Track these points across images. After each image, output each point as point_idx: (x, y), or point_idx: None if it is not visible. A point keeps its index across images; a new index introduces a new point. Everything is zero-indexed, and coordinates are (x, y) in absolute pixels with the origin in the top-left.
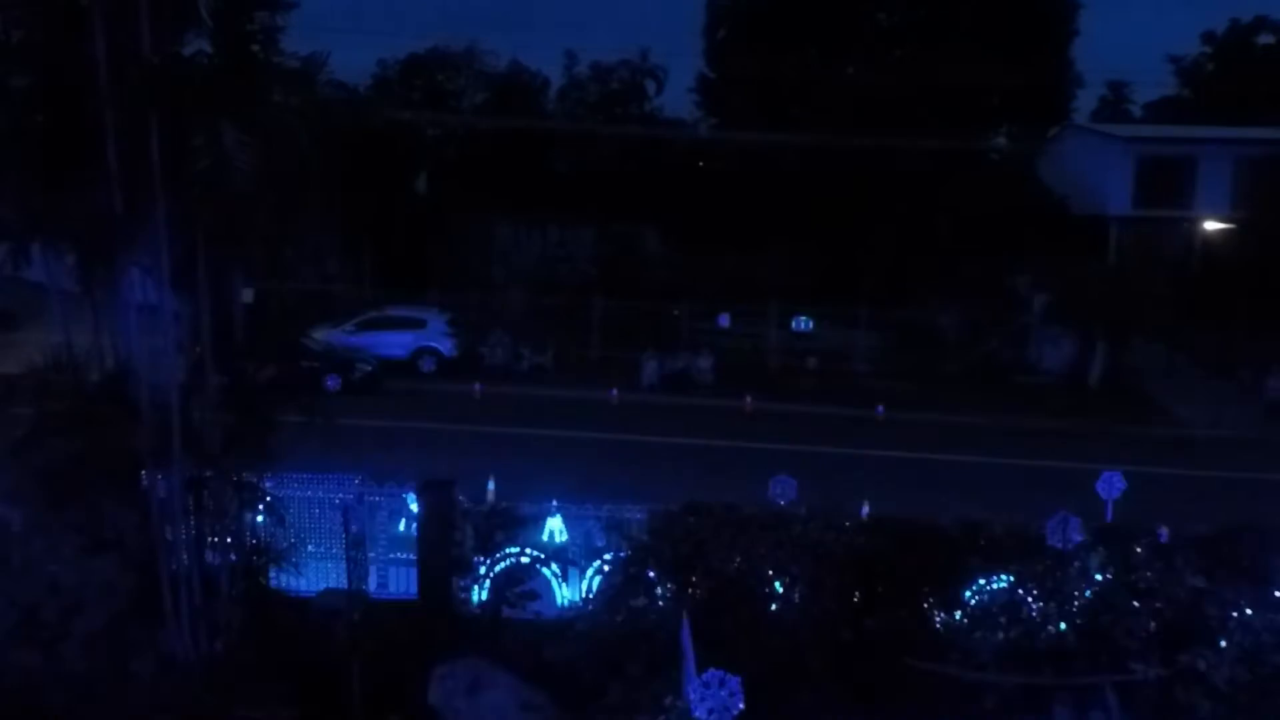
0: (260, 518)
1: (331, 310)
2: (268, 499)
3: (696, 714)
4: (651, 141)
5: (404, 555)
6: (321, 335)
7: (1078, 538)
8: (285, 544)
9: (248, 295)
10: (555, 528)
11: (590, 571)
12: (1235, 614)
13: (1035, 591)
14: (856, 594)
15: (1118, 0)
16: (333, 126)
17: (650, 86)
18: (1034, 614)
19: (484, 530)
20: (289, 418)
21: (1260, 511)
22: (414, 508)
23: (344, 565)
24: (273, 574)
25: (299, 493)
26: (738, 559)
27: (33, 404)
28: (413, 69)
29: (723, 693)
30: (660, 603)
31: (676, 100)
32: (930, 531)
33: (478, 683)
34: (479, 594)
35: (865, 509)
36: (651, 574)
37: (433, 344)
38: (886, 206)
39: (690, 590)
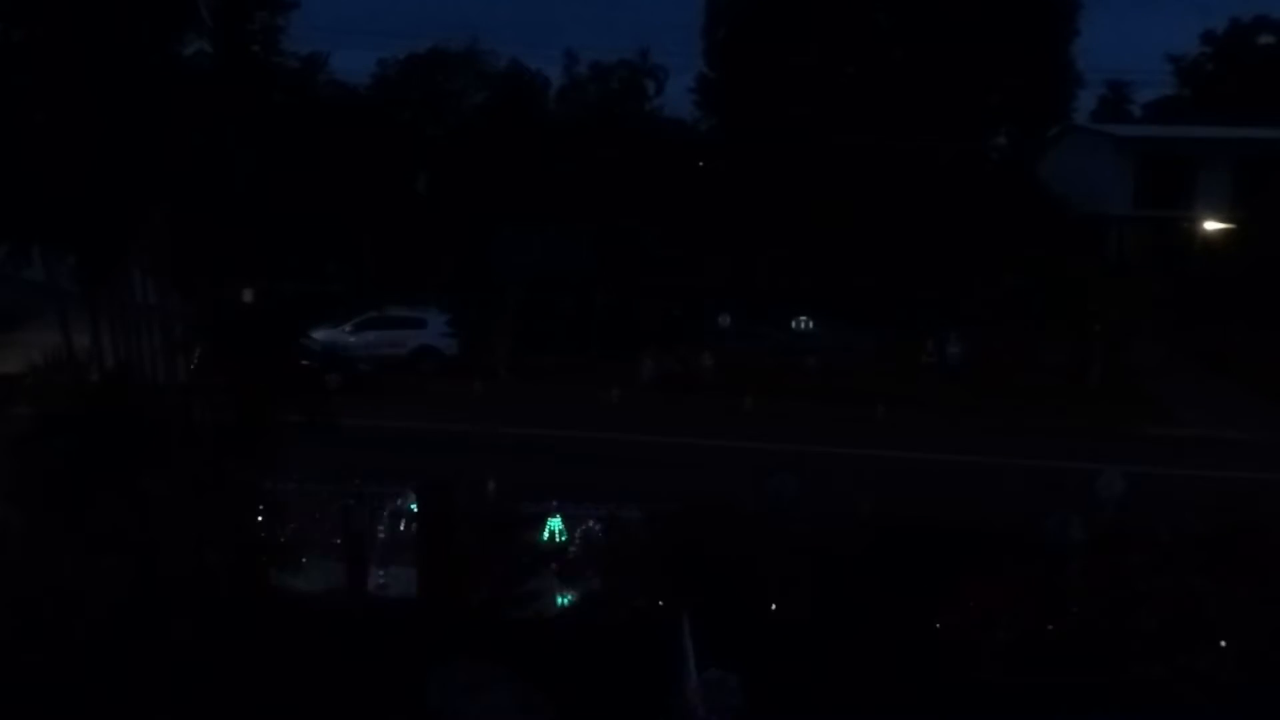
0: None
1: (331, 310)
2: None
3: (696, 714)
4: (651, 141)
5: (404, 555)
6: (321, 335)
7: (1078, 537)
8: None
9: (248, 295)
10: (555, 528)
11: (589, 571)
12: (1235, 614)
13: (1035, 591)
14: (856, 594)
15: (1118, 0)
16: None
17: (650, 86)
18: (1034, 614)
19: (484, 530)
20: (289, 417)
21: (1260, 511)
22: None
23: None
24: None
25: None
26: (737, 559)
27: (33, 404)
28: (413, 69)
29: (723, 692)
30: (660, 603)
31: (677, 100)
32: (930, 531)
33: (478, 683)
34: (479, 594)
35: (865, 509)
36: (651, 574)
37: (433, 344)
38: (886, 206)
39: (690, 590)
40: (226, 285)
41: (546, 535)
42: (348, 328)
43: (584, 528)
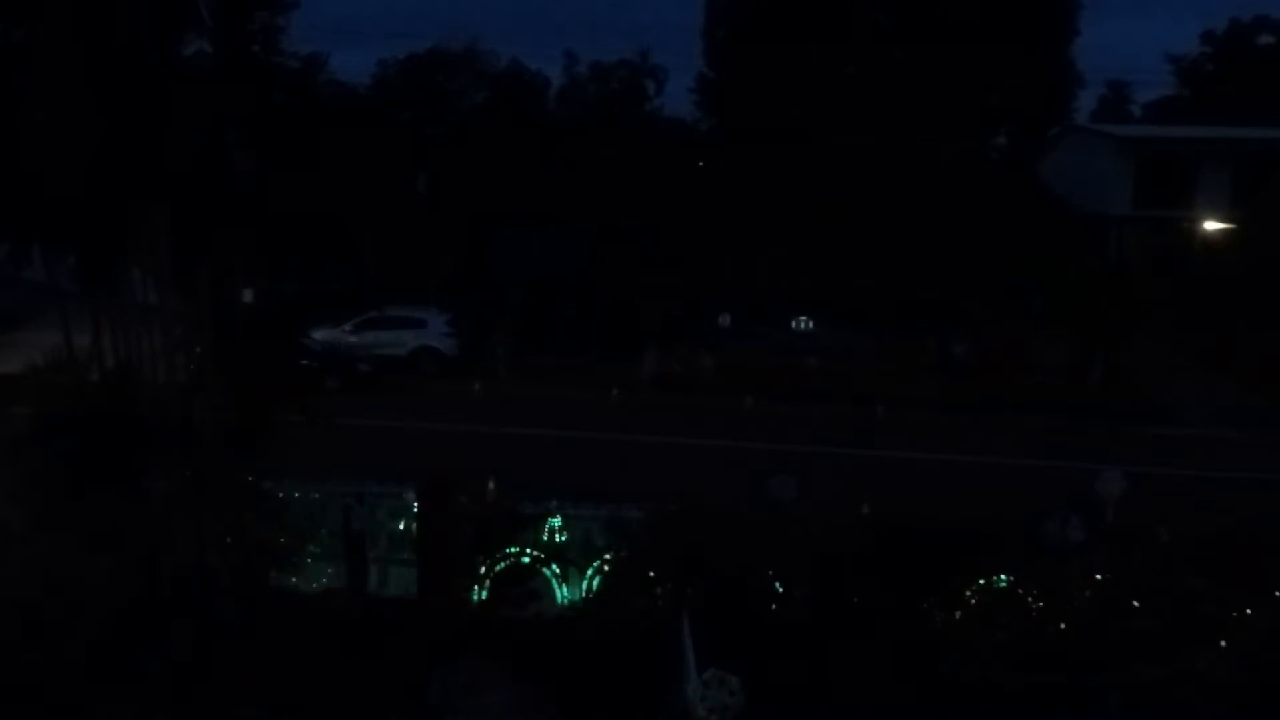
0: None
1: (331, 310)
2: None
3: (696, 714)
4: (651, 141)
5: (404, 555)
6: (321, 335)
7: (1078, 537)
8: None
9: (248, 295)
10: (555, 528)
11: (590, 571)
12: (1235, 614)
13: (1035, 591)
14: (856, 594)
15: (1118, 0)
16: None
17: (650, 86)
18: (1034, 614)
19: (484, 530)
20: (289, 417)
21: (1260, 511)
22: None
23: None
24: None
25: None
26: (737, 559)
27: (33, 404)
28: (413, 69)
29: (723, 692)
30: (660, 603)
31: (677, 100)
32: (930, 531)
33: (478, 683)
34: (479, 594)
35: (865, 509)
36: (651, 574)
37: (433, 344)
38: (886, 206)
39: (690, 590)
40: (226, 285)
41: (546, 535)
42: (348, 328)
43: (584, 528)
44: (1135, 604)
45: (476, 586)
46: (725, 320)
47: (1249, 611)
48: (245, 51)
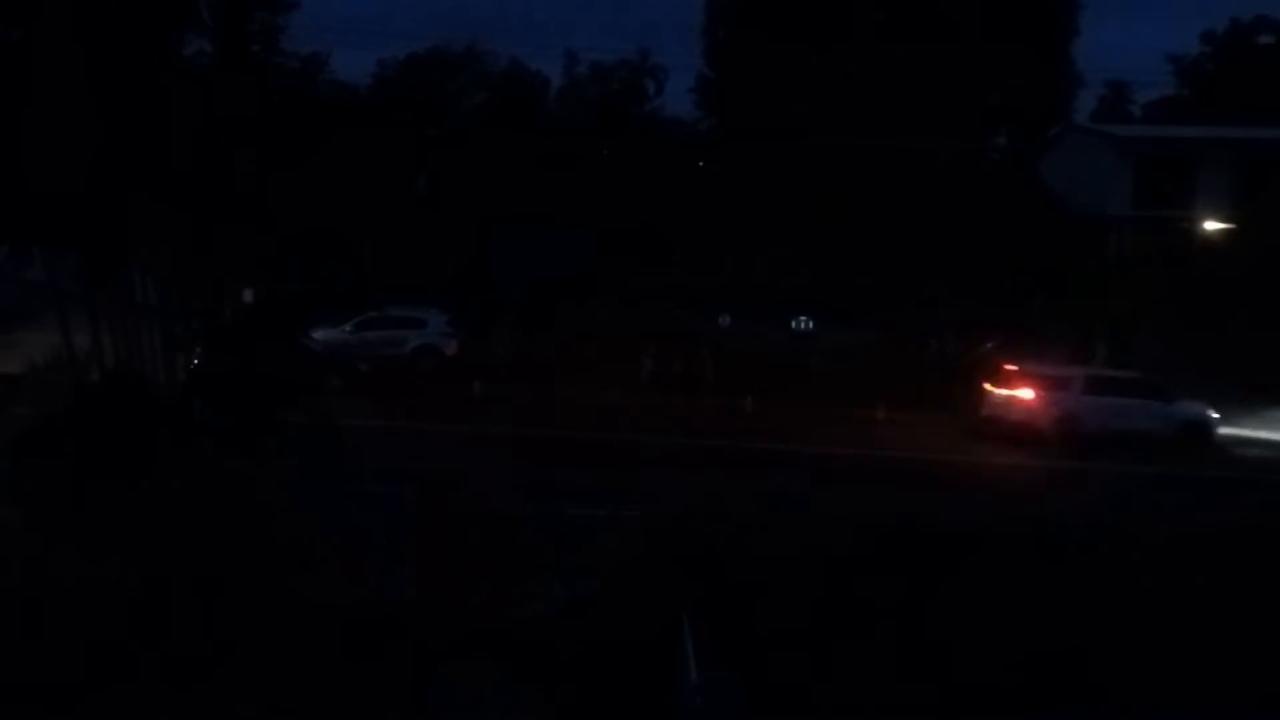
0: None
1: (331, 310)
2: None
3: (696, 714)
4: (651, 141)
5: (404, 555)
6: (321, 335)
7: (1078, 537)
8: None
9: (248, 295)
10: (555, 528)
11: (589, 571)
12: (1235, 614)
13: (1035, 591)
14: (856, 594)
15: (1118, 0)
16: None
17: (650, 86)
18: (1034, 614)
19: (484, 530)
20: (289, 417)
21: (1260, 511)
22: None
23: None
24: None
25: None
26: (737, 559)
27: (33, 404)
28: (413, 69)
29: (723, 693)
30: (660, 603)
31: (677, 100)
32: (930, 531)
33: (478, 683)
34: (479, 594)
35: (865, 509)
36: (651, 574)
37: (433, 344)
38: (886, 206)
39: (690, 590)
40: (226, 285)
41: (547, 535)
42: (348, 328)
43: (584, 528)
44: (1135, 604)
45: (476, 586)
46: (725, 320)
47: (1249, 612)
48: (245, 51)
